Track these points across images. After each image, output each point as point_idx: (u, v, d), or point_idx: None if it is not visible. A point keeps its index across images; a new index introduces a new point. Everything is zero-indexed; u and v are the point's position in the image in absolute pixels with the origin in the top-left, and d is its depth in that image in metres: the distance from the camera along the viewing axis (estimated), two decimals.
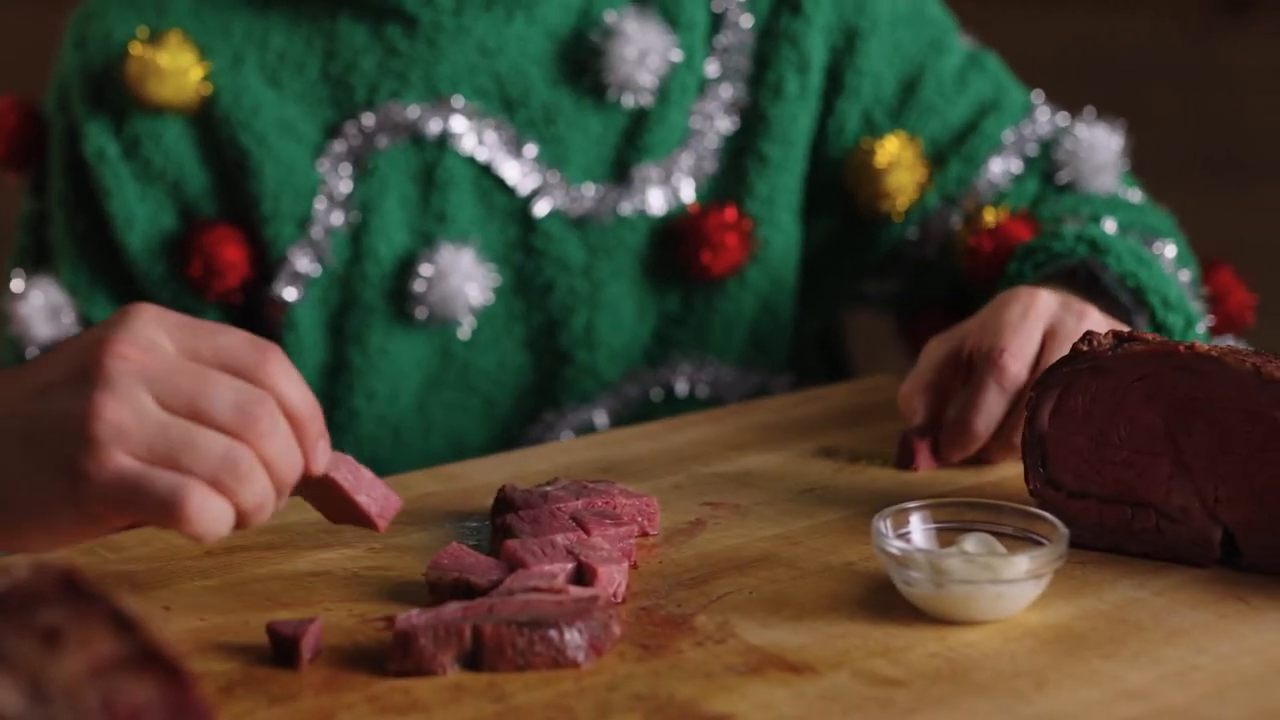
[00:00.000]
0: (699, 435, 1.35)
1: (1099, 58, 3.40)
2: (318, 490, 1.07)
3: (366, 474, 1.08)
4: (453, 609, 1.01)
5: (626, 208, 1.42)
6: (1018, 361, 1.22)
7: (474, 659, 0.99)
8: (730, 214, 1.43)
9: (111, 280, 1.42)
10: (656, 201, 1.43)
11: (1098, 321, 1.24)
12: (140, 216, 1.40)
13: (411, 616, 1.01)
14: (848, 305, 1.57)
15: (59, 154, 1.43)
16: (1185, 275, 1.41)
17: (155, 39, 1.39)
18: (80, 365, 0.95)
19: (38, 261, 1.45)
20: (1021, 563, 1.04)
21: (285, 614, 1.07)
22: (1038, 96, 1.50)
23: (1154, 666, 1.00)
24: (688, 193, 1.44)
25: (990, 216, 1.44)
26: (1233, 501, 1.11)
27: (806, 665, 1.00)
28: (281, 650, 1.01)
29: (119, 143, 1.40)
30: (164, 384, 0.95)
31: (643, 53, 1.39)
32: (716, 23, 1.43)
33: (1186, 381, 1.09)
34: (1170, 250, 1.40)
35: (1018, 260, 1.35)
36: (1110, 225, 1.41)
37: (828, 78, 1.44)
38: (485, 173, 1.41)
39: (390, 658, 1.00)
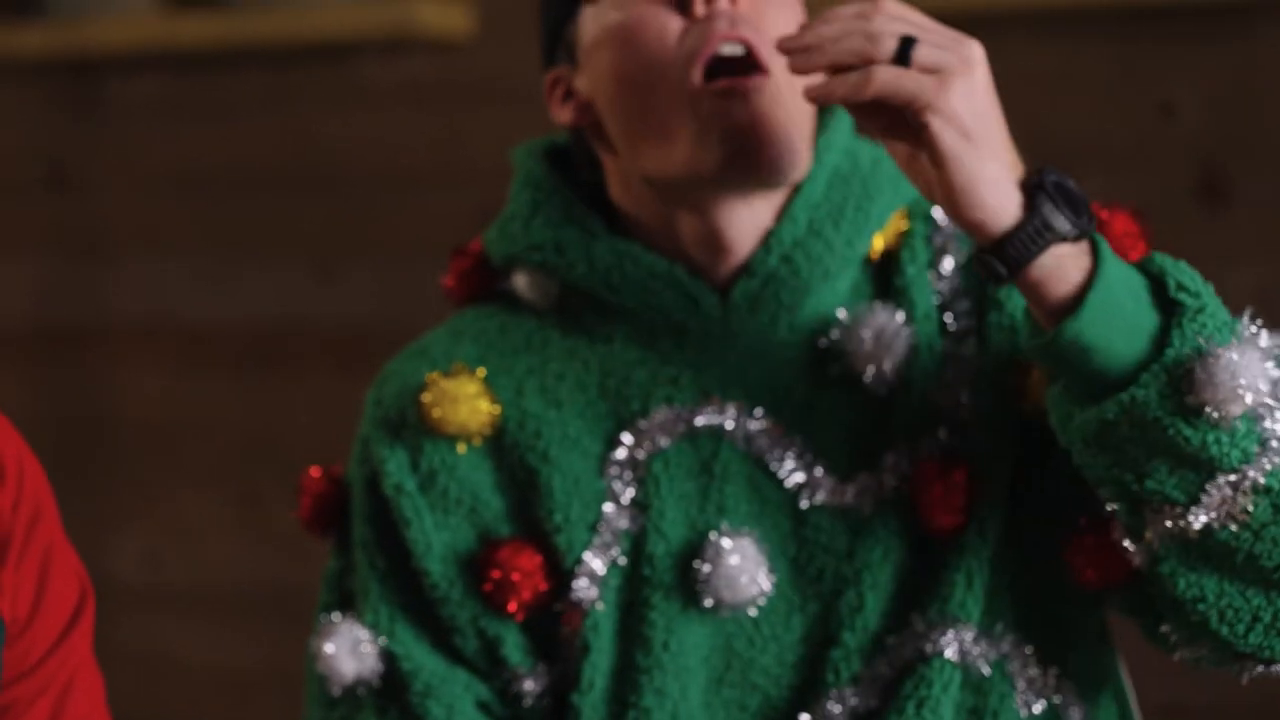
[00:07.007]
0: None
1: None
2: None
3: None
4: None
5: (883, 492, 1.45)
6: None
7: None
8: (945, 460, 1.44)
9: (412, 612, 1.48)
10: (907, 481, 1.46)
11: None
12: (438, 542, 1.47)
13: None
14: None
15: (360, 504, 1.51)
16: None
17: (450, 371, 1.49)
18: None
19: (341, 611, 1.51)
20: None
21: None
22: None
23: None
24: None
25: None
26: None
27: None
28: None
29: (416, 477, 1.48)
30: None
31: (879, 333, 1.45)
32: (945, 317, 1.48)
33: None
34: None
35: None
36: None
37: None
38: (757, 467, 1.46)
39: None
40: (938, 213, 1.49)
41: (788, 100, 1.42)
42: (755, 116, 1.41)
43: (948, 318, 1.47)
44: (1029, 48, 2.45)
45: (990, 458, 1.44)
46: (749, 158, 1.41)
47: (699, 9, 1.41)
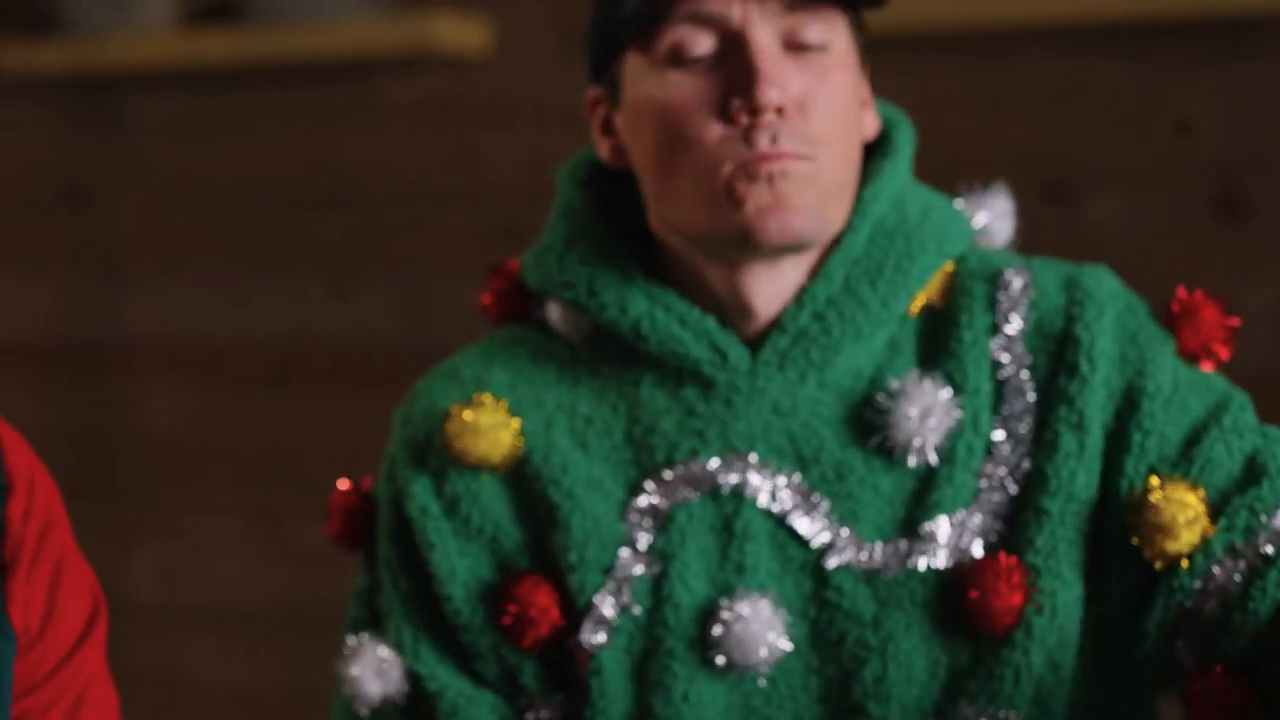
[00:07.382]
0: None
1: None
2: None
3: None
4: None
5: (915, 563, 1.43)
6: None
7: None
8: (1008, 561, 1.42)
9: (435, 633, 1.48)
10: (944, 557, 1.43)
11: None
12: (460, 569, 1.47)
13: None
14: (1144, 692, 1.48)
15: (386, 522, 1.51)
16: None
17: (473, 402, 1.48)
18: None
19: (369, 629, 1.51)
20: None
21: None
22: None
23: None
24: (976, 550, 1.43)
25: None
26: None
27: None
28: None
29: (440, 502, 1.48)
30: None
31: (925, 412, 1.43)
32: (1000, 390, 1.45)
33: None
34: None
35: None
36: None
37: (1109, 437, 1.44)
38: (780, 526, 1.44)
39: None
40: (1010, 273, 1.46)
41: (819, 179, 1.41)
42: (779, 198, 1.39)
43: (1005, 392, 1.45)
44: (1046, 64, 2.45)
45: (1047, 557, 1.42)
46: (764, 232, 1.40)
47: (742, 120, 1.39)
